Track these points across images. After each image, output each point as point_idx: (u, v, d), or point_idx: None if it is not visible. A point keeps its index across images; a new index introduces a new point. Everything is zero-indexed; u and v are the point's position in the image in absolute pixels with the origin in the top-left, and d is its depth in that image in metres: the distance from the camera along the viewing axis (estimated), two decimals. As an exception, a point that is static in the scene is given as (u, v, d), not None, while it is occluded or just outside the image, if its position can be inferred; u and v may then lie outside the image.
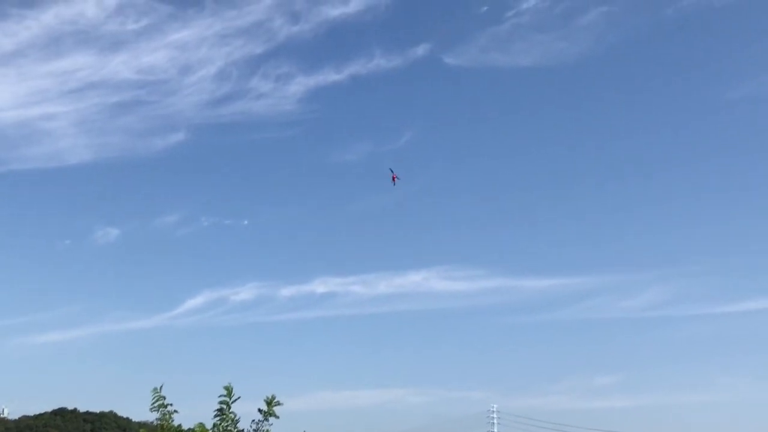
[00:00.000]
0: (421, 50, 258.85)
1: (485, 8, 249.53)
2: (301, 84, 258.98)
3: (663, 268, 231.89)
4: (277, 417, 21.29)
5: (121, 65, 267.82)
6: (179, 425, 21.23)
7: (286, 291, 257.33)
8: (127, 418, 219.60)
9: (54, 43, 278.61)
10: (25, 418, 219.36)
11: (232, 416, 20.55)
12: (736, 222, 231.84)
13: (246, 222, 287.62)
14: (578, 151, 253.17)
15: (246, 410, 20.59)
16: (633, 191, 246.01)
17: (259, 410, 21.38)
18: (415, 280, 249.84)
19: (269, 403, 21.23)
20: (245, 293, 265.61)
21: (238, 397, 20.26)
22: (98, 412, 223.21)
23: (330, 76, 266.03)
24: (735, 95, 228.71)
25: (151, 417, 21.21)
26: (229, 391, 20.04)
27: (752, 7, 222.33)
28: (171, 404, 21.07)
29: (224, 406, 20.20)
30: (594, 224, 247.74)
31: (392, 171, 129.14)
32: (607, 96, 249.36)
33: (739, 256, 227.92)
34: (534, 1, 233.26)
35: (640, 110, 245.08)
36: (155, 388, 21.02)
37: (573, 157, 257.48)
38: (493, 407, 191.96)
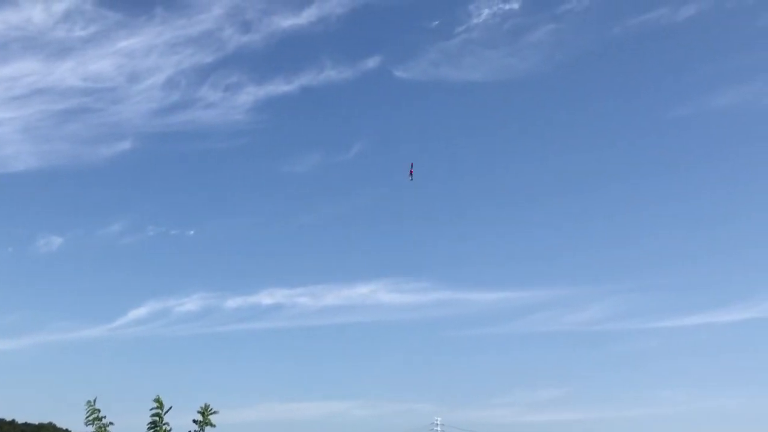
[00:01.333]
0: (371, 63, 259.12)
1: (436, 23, 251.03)
2: (250, 94, 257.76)
3: (608, 283, 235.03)
4: (214, 426, 21.60)
5: (67, 72, 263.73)
6: (117, 436, 21.52)
7: (232, 302, 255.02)
8: (67, 430, 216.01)
9: (0, 49, 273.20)
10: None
11: (166, 427, 20.88)
12: (681, 238, 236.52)
13: (192, 232, 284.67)
14: (526, 165, 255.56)
15: (189, 422, 20.90)
16: (580, 206, 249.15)
17: (194, 421, 21.61)
18: (362, 292, 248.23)
19: (204, 412, 21.53)
20: (190, 304, 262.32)
21: (170, 408, 20.66)
22: (37, 423, 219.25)
23: (280, 86, 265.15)
24: (680, 113, 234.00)
25: (91, 429, 21.44)
26: (159, 403, 20.47)
27: (697, 29, 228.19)
28: (105, 417, 21.39)
29: (157, 419, 20.62)
30: (541, 238, 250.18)
31: (411, 167, 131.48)
32: (556, 112, 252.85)
33: (682, 272, 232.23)
34: (484, 18, 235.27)
35: (587, 126, 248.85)
36: (89, 401, 21.34)
37: (520, 172, 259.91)
38: (437, 420, 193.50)
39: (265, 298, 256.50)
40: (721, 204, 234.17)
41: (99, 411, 21.67)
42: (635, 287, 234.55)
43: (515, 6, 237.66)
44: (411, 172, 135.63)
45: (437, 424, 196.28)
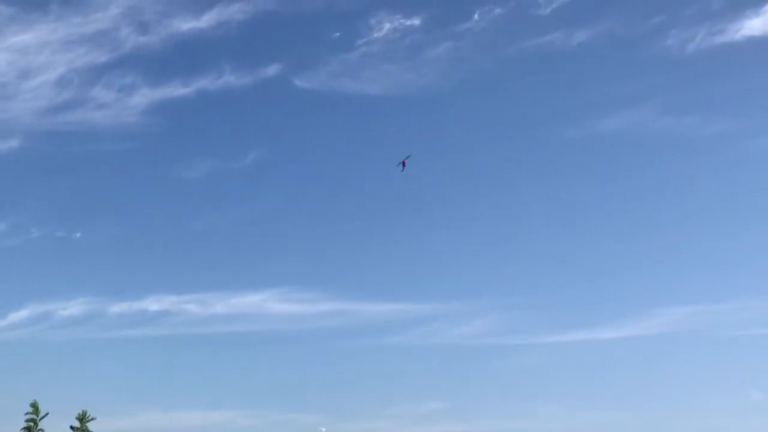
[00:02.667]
0: (271, 70, 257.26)
1: (337, 34, 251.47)
2: (145, 96, 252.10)
3: (494, 298, 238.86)
4: (91, 433, 21.34)
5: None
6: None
7: (117, 307, 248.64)
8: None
9: None
10: None
11: (41, 433, 20.56)
12: (563, 256, 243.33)
13: (79, 234, 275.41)
14: (419, 180, 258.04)
15: (68, 429, 20.46)
16: (469, 222, 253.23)
17: (72, 427, 21.34)
18: (252, 300, 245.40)
19: (81, 419, 21.33)
20: (74, 308, 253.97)
21: (47, 414, 20.57)
22: None
23: (177, 89, 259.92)
24: (572, 135, 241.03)
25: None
26: (35, 408, 20.21)
27: (589, 55, 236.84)
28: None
29: (31, 424, 20.34)
30: (429, 251, 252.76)
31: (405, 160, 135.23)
32: (452, 128, 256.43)
33: (565, 290, 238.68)
34: (385, 32, 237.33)
35: (482, 144, 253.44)
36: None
37: (414, 185, 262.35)
38: (321, 430, 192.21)
39: (152, 304, 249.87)
40: (602, 224, 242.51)
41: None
42: (520, 303, 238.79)
43: (416, 22, 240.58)
44: (404, 162, 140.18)
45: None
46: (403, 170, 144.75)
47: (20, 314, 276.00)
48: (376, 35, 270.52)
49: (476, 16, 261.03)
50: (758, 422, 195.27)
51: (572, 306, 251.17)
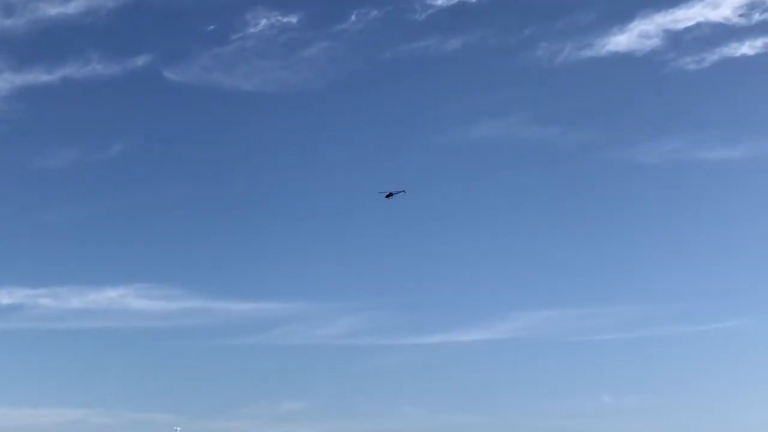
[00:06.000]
0: (141, 61, 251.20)
1: (212, 27, 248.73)
2: (7, 81, 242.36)
3: (356, 300, 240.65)
4: None
5: None
6: None
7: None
8: None
9: None
10: None
11: None
12: (422, 261, 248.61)
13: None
14: (287, 179, 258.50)
15: None
16: (333, 224, 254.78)
17: None
18: (111, 296, 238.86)
19: None
20: None
21: None
22: None
23: (41, 76, 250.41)
24: (440, 140, 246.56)
25: None
26: None
27: (461, 62, 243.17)
28: None
29: None
30: (292, 251, 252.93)
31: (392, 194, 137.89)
32: (323, 127, 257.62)
33: (425, 291, 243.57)
34: (261, 27, 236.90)
35: (352, 144, 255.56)
36: None
37: (281, 184, 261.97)
38: (176, 430, 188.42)
39: (4, 297, 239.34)
40: (462, 229, 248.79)
41: None
42: (381, 304, 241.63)
43: (293, 20, 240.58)
44: (391, 194, 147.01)
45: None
46: (387, 197, 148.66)
47: None
48: (251, 30, 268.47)
49: (353, 18, 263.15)
50: (609, 425, 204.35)
51: (432, 308, 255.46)
